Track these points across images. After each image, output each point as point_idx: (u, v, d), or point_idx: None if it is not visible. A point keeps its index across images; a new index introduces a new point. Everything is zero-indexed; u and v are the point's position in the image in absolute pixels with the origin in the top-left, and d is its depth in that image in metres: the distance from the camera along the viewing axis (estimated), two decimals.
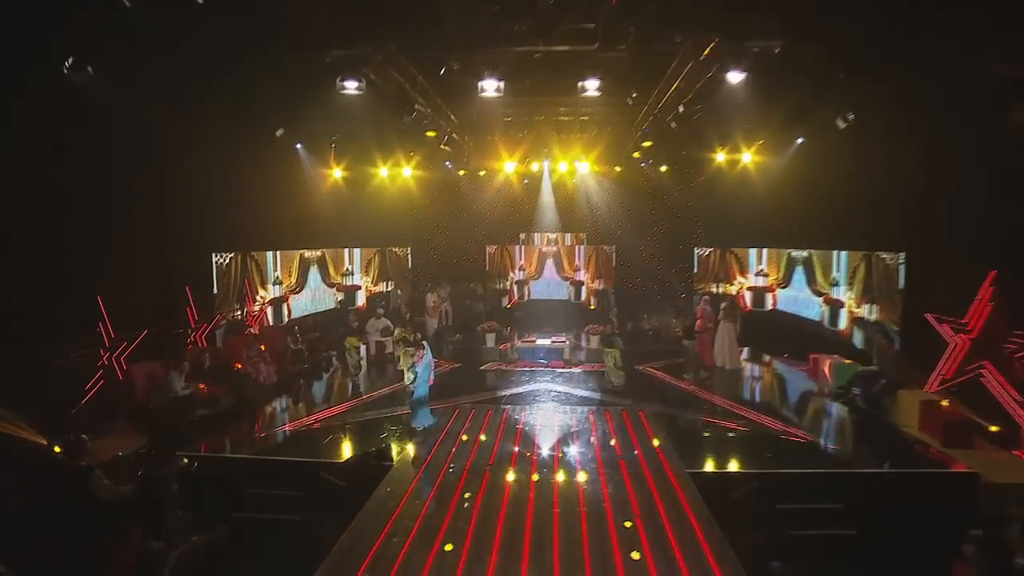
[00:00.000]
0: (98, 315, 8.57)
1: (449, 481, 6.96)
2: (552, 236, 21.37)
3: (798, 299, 16.53)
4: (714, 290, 19.53)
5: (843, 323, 14.18)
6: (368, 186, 19.16)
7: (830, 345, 13.80)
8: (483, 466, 7.27)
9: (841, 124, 12.15)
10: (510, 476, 7.11)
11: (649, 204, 20.42)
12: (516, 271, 21.37)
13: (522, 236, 21.41)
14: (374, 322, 13.62)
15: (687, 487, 6.71)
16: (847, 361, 11.76)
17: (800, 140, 15.67)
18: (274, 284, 15.37)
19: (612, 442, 8.21)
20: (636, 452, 7.88)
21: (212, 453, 7.80)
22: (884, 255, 12.51)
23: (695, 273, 20.06)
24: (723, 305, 13.82)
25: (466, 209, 20.84)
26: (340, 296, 18.62)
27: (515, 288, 21.32)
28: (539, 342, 13.79)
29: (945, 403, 9.02)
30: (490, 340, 14.25)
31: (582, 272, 21.23)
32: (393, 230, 20.38)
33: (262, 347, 12.19)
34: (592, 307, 20.74)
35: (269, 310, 14.91)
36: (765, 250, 18.06)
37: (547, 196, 20.67)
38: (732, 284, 19.10)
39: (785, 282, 17.04)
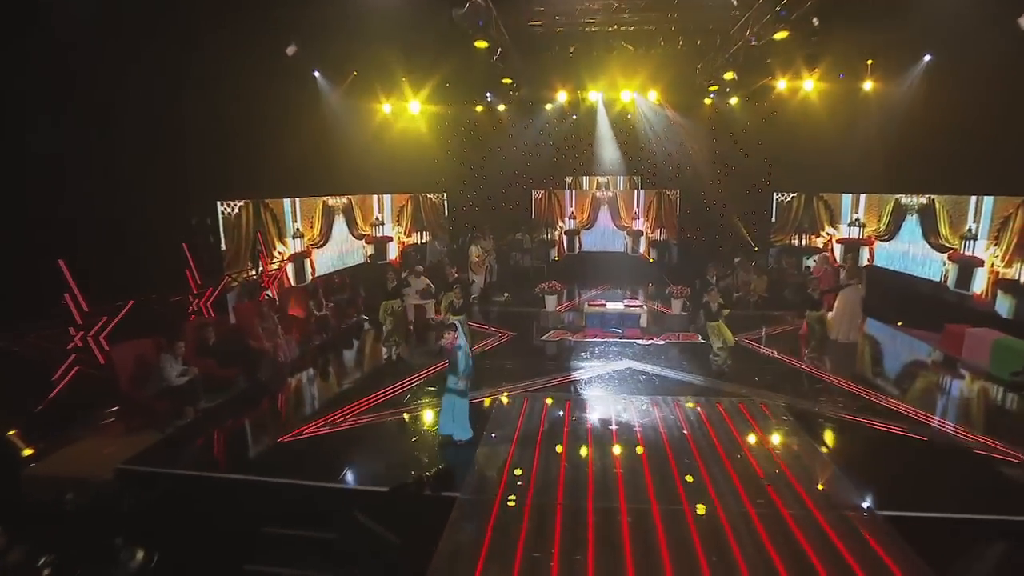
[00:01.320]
0: (62, 284, 6.65)
1: (539, 523, 5.02)
2: (603, 180, 18.74)
3: (908, 254, 13.81)
4: (795, 242, 16.89)
5: (979, 286, 11.52)
6: (398, 123, 16.74)
7: (960, 313, 11.27)
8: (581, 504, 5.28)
9: None
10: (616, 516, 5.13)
11: (723, 143, 17.48)
12: (566, 219, 18.93)
13: (569, 180, 18.85)
14: (412, 281, 11.58)
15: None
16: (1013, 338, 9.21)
17: (928, 58, 12.58)
18: (294, 237, 13.39)
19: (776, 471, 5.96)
20: (787, 477, 5.75)
21: (207, 471, 5.97)
22: None
23: (773, 223, 17.29)
24: (846, 263, 11.25)
25: (509, 149, 18.26)
26: (370, 249, 16.62)
27: (564, 239, 18.95)
28: (610, 306, 11.53)
29: None
30: (550, 303, 12.06)
31: (641, 220, 18.67)
32: (427, 174, 18.00)
33: (286, 312, 10.37)
34: (651, 260, 18.34)
35: (289, 268, 13.00)
36: (863, 196, 15.17)
37: (602, 134, 17.97)
38: (819, 236, 16.35)
39: (890, 234, 14.26)
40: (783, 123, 16.21)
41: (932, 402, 8.40)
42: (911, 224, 13.54)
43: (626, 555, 4.66)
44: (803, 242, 16.73)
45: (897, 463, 6.21)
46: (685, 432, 6.85)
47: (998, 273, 11.05)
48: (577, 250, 19.04)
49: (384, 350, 10.26)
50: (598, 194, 18.72)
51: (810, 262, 14.86)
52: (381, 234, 17.07)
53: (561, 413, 7.34)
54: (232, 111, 10.01)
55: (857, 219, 15.36)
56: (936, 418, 7.43)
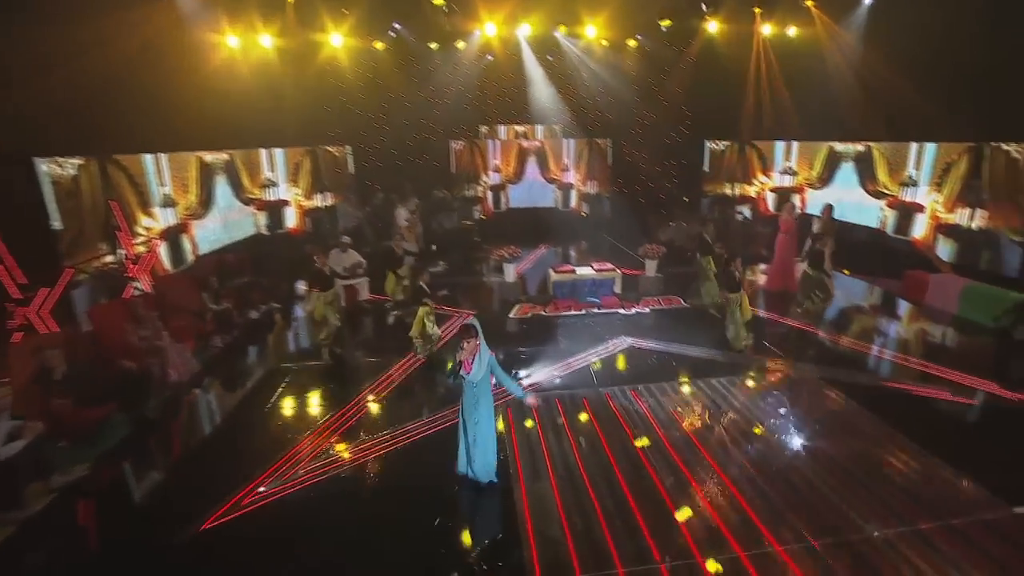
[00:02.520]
0: None
1: None
2: (521, 129, 17.01)
3: (843, 202, 13.85)
4: (728, 192, 16.57)
5: (919, 232, 11.70)
6: (288, 61, 13.50)
7: (901, 259, 11.42)
8: None
9: None
10: None
11: (655, 89, 16.42)
12: (490, 173, 17.00)
13: (484, 129, 16.86)
14: (337, 256, 9.26)
15: None
16: (987, 286, 9.23)
17: (868, 1, 12.22)
18: (163, 206, 10.25)
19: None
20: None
21: None
22: (1010, 146, 9.79)
23: (707, 172, 16.79)
24: (823, 215, 10.72)
25: (416, 95, 15.72)
26: (262, 218, 13.62)
27: (489, 195, 17.09)
28: (580, 272, 10.09)
29: None
30: (509, 272, 10.32)
31: (571, 173, 17.30)
32: (324, 124, 14.99)
33: (171, 311, 7.66)
34: (584, 215, 17.19)
35: (162, 248, 9.94)
36: (795, 144, 15.00)
37: (524, 77, 16.08)
38: (751, 185, 16.12)
39: (824, 181, 14.25)
40: (715, 69, 15.45)
41: (938, 354, 7.88)
42: (847, 172, 13.52)
43: None
44: (734, 191, 16.43)
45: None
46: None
47: (939, 219, 11.21)
48: (504, 207, 17.32)
49: (324, 352, 7.99)
50: (525, 144, 16.96)
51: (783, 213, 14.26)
52: (275, 198, 14.03)
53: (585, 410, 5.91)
54: (57, 35, 6.85)
55: (789, 167, 15.22)
56: (956, 372, 7.03)
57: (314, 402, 6.69)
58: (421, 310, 7.31)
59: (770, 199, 15.71)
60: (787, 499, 4.80)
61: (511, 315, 9.34)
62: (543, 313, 9.37)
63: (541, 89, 16.35)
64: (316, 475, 5.19)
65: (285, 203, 14.27)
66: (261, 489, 4.95)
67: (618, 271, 10.22)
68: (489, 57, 15.93)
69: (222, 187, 12.23)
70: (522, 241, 14.36)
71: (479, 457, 4.81)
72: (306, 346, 8.40)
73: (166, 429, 6.22)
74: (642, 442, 5.62)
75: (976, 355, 7.79)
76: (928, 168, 11.42)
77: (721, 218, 14.99)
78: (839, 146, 13.62)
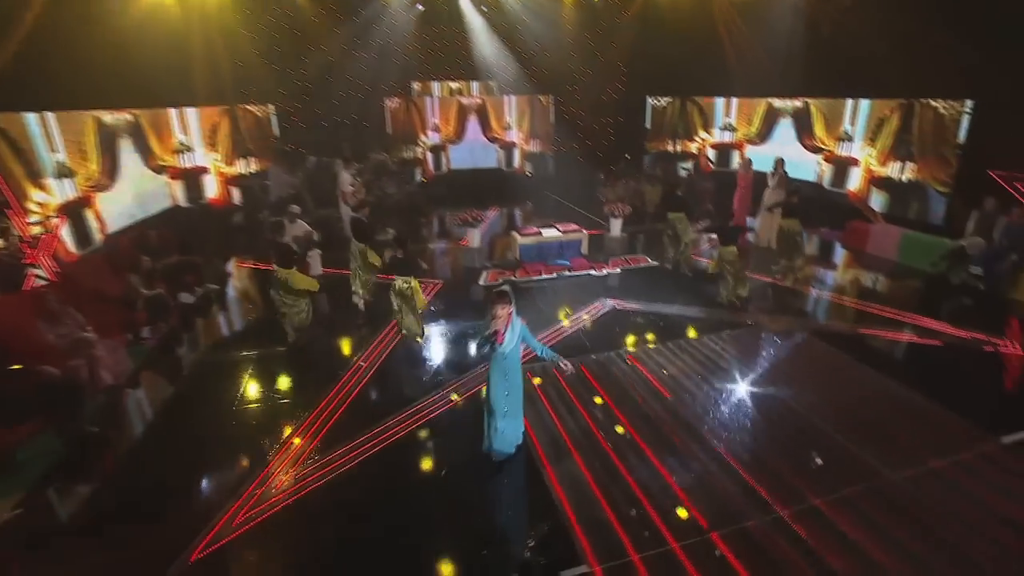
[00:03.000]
0: None
1: None
2: (456, 86, 16.15)
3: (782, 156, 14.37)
4: (670, 148, 16.71)
5: (854, 184, 12.35)
6: (194, 7, 11.66)
7: (840, 210, 12.04)
8: None
9: None
10: None
11: (595, 44, 16.00)
12: (428, 133, 16.00)
13: (416, 86, 15.83)
14: (286, 227, 8.22)
15: None
16: (923, 234, 9.88)
17: None
18: (58, 177, 8.64)
19: None
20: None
21: None
22: (938, 103, 10.40)
23: (648, 129, 16.79)
24: (777, 169, 10.87)
25: (344, 47, 14.36)
26: (178, 188, 12.00)
27: (429, 156, 16.14)
28: (546, 234, 9.69)
29: None
30: (473, 237, 9.66)
31: (514, 131, 16.67)
32: (242, 80, 13.26)
33: (90, 300, 6.45)
34: (529, 174, 16.73)
35: (64, 229, 8.42)
36: (735, 100, 15.27)
37: (460, 30, 15.10)
38: (692, 141, 16.33)
39: (762, 137, 14.67)
40: (656, 23, 15.26)
41: (899, 301, 8.24)
42: (785, 127, 13.96)
43: None
44: (676, 148, 16.58)
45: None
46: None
47: (873, 172, 11.87)
48: (445, 168, 16.46)
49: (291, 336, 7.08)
50: (465, 102, 16.06)
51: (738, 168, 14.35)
52: (191, 164, 12.37)
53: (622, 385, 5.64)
54: None
55: (729, 123, 15.51)
56: (923, 317, 7.46)
57: (291, 393, 5.94)
58: (409, 283, 6.66)
59: (711, 155, 16.00)
60: (809, 452, 4.83)
61: (480, 282, 8.85)
62: (513, 279, 8.96)
63: (477, 43, 15.49)
64: (317, 478, 4.57)
65: (203, 170, 12.64)
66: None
67: (584, 232, 9.96)
68: (419, 7, 14.82)
69: (128, 154, 10.54)
70: (467, 205, 13.76)
71: (511, 428, 4.56)
72: (264, 330, 7.48)
73: (111, 446, 5.25)
74: (654, 407, 5.46)
75: (926, 299, 8.34)
76: (863, 124, 11.97)
77: (665, 175, 15.09)
78: (777, 102, 13.98)
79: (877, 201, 11.80)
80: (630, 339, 6.93)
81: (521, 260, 9.47)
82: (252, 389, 6.02)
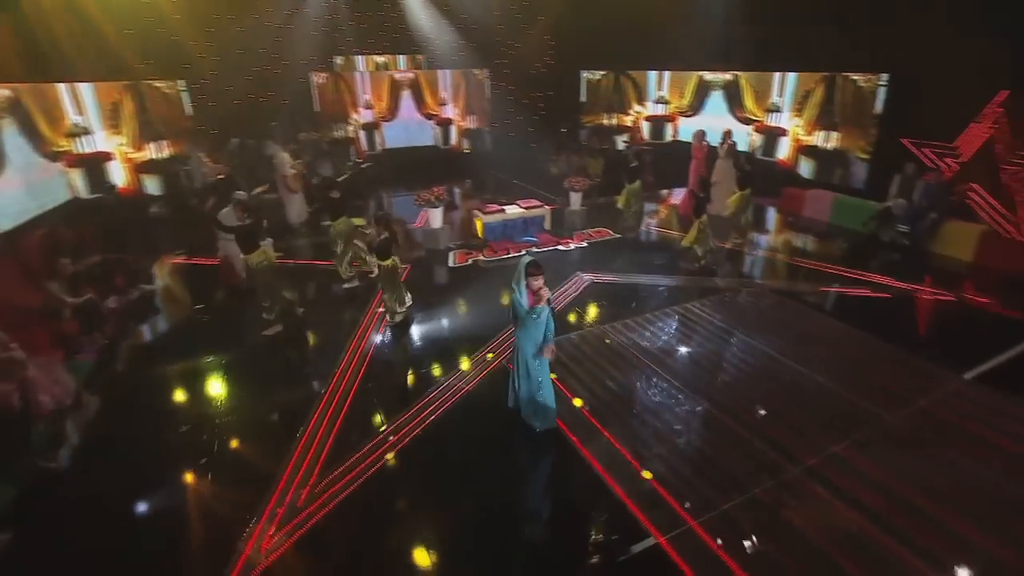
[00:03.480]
0: None
1: None
2: (381, 60, 15.37)
3: (713, 128, 15.00)
4: (605, 122, 16.93)
5: (783, 153, 13.17)
6: None
7: (775, 178, 12.80)
8: None
9: None
10: None
11: (516, 16, 15.72)
12: (360, 111, 15.08)
13: (338, 61, 14.89)
14: (231, 215, 7.37)
15: None
16: (853, 198, 10.72)
17: None
18: None
19: None
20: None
21: None
22: (856, 76, 11.25)
23: (584, 102, 16.87)
24: (726, 141, 11.24)
25: (255, 16, 13.10)
26: (77, 177, 10.47)
27: (362, 135, 15.25)
28: (509, 211, 9.45)
29: None
30: (435, 217, 9.15)
31: (450, 107, 16.12)
32: (144, 51, 11.69)
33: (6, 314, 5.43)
34: (467, 151, 16.31)
35: None
36: (667, 73, 15.69)
37: None
38: (627, 114, 16.64)
39: (694, 110, 15.23)
40: None
41: (832, 257, 8.98)
42: (717, 100, 14.55)
43: None
44: (611, 121, 16.83)
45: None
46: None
47: (800, 141, 12.70)
48: (380, 147, 15.64)
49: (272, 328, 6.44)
50: (397, 77, 15.27)
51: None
52: (91, 150, 10.81)
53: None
54: None
55: (662, 96, 15.93)
56: (863, 272, 8.10)
57: (284, 393, 5.38)
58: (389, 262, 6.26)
59: (645, 128, 16.40)
60: (811, 404, 5.11)
61: (450, 264, 8.51)
62: (482, 258, 8.71)
63: (407, 14, 14.73)
64: (345, 484, 4.17)
65: (107, 156, 11.09)
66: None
67: (546, 207, 9.86)
68: None
69: (13, 138, 8.99)
70: (405, 185, 13.24)
71: (549, 402, 4.55)
72: (220, 330, 6.71)
73: (75, 481, 4.48)
74: (662, 373, 5.53)
75: (862, 255, 9.08)
76: (790, 96, 12.72)
77: (607, 147, 15.29)
78: (708, 75, 14.51)
79: (805, 167, 12.65)
80: (616, 310, 6.96)
81: (487, 239, 9.20)
82: (229, 396, 5.39)
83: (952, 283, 7.83)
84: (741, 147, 13.80)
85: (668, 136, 16.08)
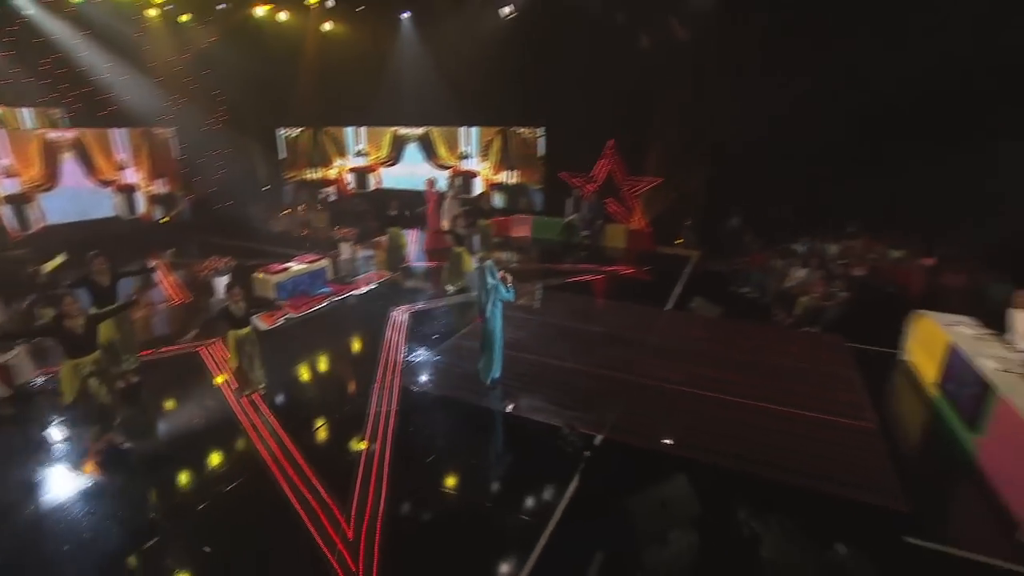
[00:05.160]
0: None
1: None
2: (26, 112, 12.52)
3: (414, 175, 17.28)
4: (310, 176, 17.44)
5: (478, 190, 16.44)
6: None
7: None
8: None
9: (506, 11, 12.93)
10: None
11: (221, 73, 14.94)
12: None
13: None
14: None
15: None
16: (545, 217, 14.46)
17: (406, 14, 15.35)
18: None
19: None
20: None
21: None
22: (522, 130, 15.27)
23: (284, 159, 16.94)
24: (452, 181, 13.22)
25: None
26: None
27: (4, 212, 11.79)
28: (295, 267, 9.25)
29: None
30: (220, 287, 8.09)
31: (131, 170, 13.88)
32: None
33: None
34: (165, 219, 14.34)
35: None
36: (364, 129, 17.36)
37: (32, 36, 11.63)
38: (331, 168, 17.53)
39: (393, 160, 17.33)
40: (285, 56, 15.58)
41: (554, 257, 12.32)
42: (413, 151, 16.95)
43: None
44: (316, 175, 17.41)
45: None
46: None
47: (490, 180, 16.19)
48: (36, 225, 12.34)
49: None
50: (52, 137, 12.40)
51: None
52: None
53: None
54: None
55: (361, 149, 17.47)
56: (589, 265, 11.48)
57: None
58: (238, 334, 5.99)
59: (350, 179, 17.61)
60: (596, 340, 7.61)
61: (265, 328, 8.16)
62: (292, 315, 8.65)
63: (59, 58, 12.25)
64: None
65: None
66: None
67: (326, 259, 10.24)
68: None
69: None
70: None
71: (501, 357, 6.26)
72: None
73: None
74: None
75: (565, 254, 12.68)
76: (476, 144, 16.08)
77: (337, 201, 15.90)
78: (403, 130, 16.80)
79: (497, 199, 16.16)
80: (448, 329, 8.21)
81: (280, 297, 9.03)
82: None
83: (623, 263, 11.92)
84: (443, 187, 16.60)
85: (372, 185, 17.70)
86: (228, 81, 15.19)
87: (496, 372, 6.32)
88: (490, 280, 5.94)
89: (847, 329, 7.92)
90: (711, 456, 5.03)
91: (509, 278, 6.08)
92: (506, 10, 12.86)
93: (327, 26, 15.52)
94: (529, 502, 4.54)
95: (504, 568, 3.91)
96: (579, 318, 8.50)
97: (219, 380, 6.37)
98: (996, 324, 6.15)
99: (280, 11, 14.04)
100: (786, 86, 10.17)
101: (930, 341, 6.60)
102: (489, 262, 6.05)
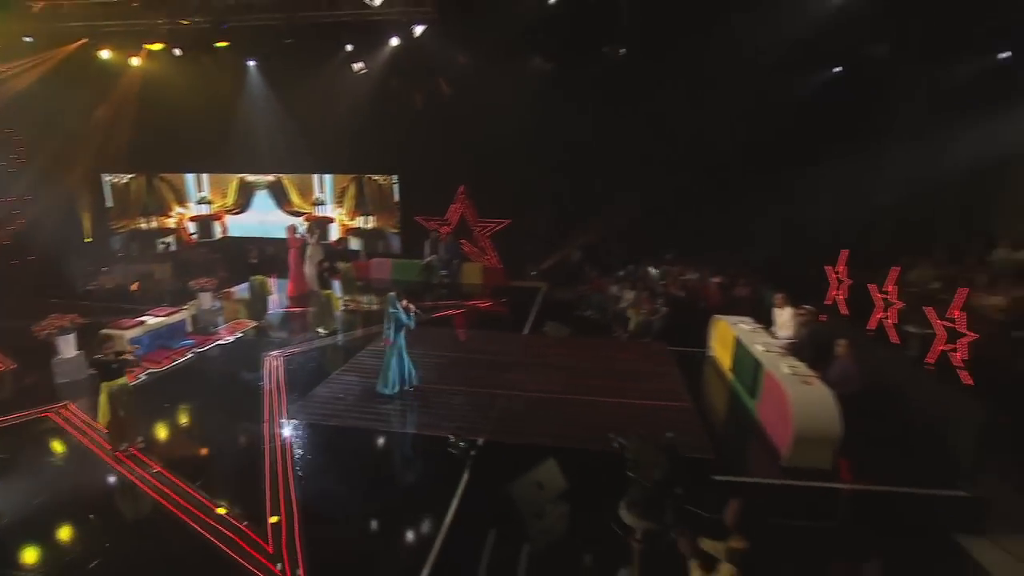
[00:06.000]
0: None
1: None
2: None
3: (265, 222, 16.83)
4: (144, 225, 16.11)
5: (334, 235, 16.59)
6: None
7: (335, 254, 16.06)
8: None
9: (357, 67, 13.71)
10: None
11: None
12: None
13: None
14: None
15: None
16: (404, 259, 15.12)
17: (251, 62, 15.22)
18: None
19: None
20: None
21: None
22: (377, 177, 15.95)
23: (111, 207, 15.46)
24: (313, 231, 13.18)
25: None
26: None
27: None
28: (151, 322, 8.65)
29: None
30: (69, 346, 7.21)
31: None
32: None
33: None
34: None
35: None
36: (205, 176, 16.59)
37: None
38: (170, 216, 16.38)
39: (241, 207, 16.79)
40: (117, 100, 14.39)
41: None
42: (263, 198, 16.60)
43: None
44: (150, 224, 16.13)
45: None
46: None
47: (347, 225, 16.49)
48: None
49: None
50: None
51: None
52: None
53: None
54: None
55: (203, 196, 16.64)
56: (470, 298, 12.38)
57: None
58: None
59: (192, 227, 16.59)
60: (482, 356, 8.61)
61: (136, 382, 7.63)
62: (155, 369, 8.23)
63: None
64: None
65: None
66: None
67: (184, 311, 9.81)
68: None
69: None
70: None
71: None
72: None
73: None
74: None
75: (426, 293, 13.53)
76: (330, 191, 16.32)
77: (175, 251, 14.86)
78: (250, 176, 16.41)
79: (355, 244, 16.47)
80: (327, 364, 8.55)
81: (138, 354, 8.46)
82: None
83: (481, 297, 13.09)
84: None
85: (218, 233, 16.87)
86: (47, 125, 13.62)
87: (416, 380, 7.46)
88: (391, 309, 6.78)
89: (669, 336, 9.90)
90: (572, 442, 6.17)
91: (412, 308, 7.01)
92: (357, 66, 13.62)
93: (156, 65, 14.64)
94: (430, 496, 5.22)
95: (415, 545, 4.55)
96: (449, 347, 9.36)
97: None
98: (768, 321, 8.32)
99: (108, 52, 13.04)
100: (611, 143, 12.54)
101: (724, 338, 8.66)
102: (392, 294, 7.02)
